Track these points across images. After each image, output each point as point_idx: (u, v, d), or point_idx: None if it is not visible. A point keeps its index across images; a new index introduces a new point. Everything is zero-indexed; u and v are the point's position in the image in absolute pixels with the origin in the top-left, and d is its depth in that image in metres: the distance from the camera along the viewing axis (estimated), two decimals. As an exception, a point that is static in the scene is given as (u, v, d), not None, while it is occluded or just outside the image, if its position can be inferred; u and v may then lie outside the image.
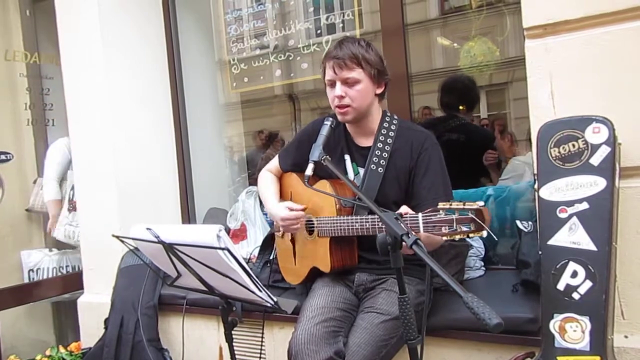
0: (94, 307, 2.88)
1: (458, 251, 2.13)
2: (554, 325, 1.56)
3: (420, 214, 1.47)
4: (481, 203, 1.37)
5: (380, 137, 1.87)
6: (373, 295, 1.83)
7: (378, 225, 1.65)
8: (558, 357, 1.55)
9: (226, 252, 1.41)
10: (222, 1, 3.30)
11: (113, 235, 1.66)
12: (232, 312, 1.73)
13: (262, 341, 2.25)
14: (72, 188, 3.29)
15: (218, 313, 1.75)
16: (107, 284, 2.78)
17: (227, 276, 1.50)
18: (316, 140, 1.72)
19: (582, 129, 1.59)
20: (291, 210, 1.89)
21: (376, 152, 1.85)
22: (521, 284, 2.00)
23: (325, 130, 1.76)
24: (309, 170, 1.67)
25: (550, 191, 1.61)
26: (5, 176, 3.48)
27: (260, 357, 2.23)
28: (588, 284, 1.53)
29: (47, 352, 2.82)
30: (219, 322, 2.45)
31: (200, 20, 3.38)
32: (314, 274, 1.97)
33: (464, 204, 1.38)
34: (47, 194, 3.46)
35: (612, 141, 1.55)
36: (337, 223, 1.79)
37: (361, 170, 1.90)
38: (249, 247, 2.87)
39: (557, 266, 1.57)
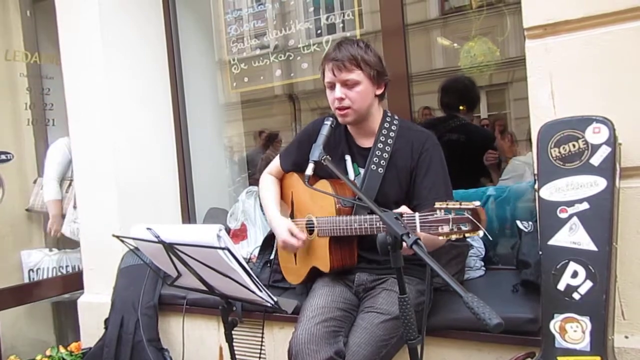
0: (94, 307, 2.88)
1: (458, 251, 2.13)
2: (554, 325, 1.56)
3: (417, 214, 1.47)
4: (477, 203, 1.37)
5: (381, 138, 1.87)
6: (373, 295, 1.83)
7: (377, 225, 1.65)
8: (558, 358, 1.54)
9: (226, 251, 1.41)
10: (222, 1, 3.30)
11: (113, 235, 1.66)
12: (232, 312, 1.73)
13: (262, 341, 2.25)
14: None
15: (218, 313, 1.75)
16: (107, 284, 2.78)
17: (227, 276, 1.50)
18: (316, 140, 1.72)
19: (582, 129, 1.59)
20: (292, 235, 1.90)
21: (376, 153, 1.85)
22: (521, 284, 2.00)
23: (325, 130, 1.76)
24: (309, 170, 1.67)
25: (551, 191, 1.61)
26: (6, 176, 3.47)
27: (260, 357, 2.23)
28: (588, 284, 1.53)
29: (47, 352, 2.82)
30: (219, 322, 2.45)
31: (200, 20, 3.38)
32: (314, 274, 1.97)
33: (460, 204, 1.38)
34: (47, 193, 3.46)
35: (612, 141, 1.55)
36: (336, 223, 1.79)
37: (362, 171, 1.90)
38: (249, 247, 2.87)
39: (558, 266, 1.57)
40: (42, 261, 3.51)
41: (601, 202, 1.54)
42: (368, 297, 1.85)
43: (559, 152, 1.61)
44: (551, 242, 1.60)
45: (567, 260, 1.57)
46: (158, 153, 3.10)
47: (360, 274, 1.89)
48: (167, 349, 2.56)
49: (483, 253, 2.32)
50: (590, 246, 1.54)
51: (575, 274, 1.55)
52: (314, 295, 1.86)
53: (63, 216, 3.49)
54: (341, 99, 1.79)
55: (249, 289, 1.52)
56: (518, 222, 2.18)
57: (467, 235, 1.38)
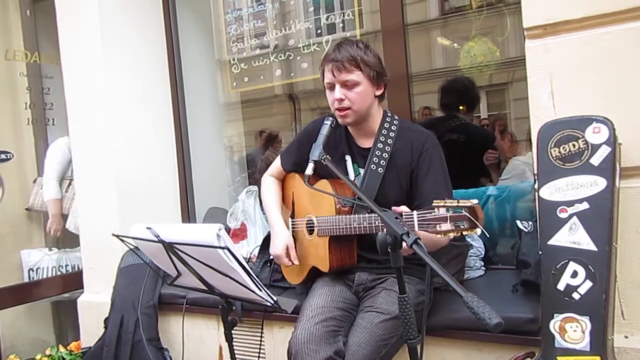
0: (94, 306, 2.88)
1: (458, 251, 2.13)
2: (554, 325, 1.56)
3: (415, 212, 1.47)
4: (475, 201, 1.38)
5: (381, 138, 1.87)
6: (373, 295, 1.83)
7: (376, 224, 1.65)
8: (558, 357, 1.55)
9: (226, 251, 1.41)
10: (222, 1, 3.30)
11: (113, 235, 1.66)
12: (232, 312, 1.73)
13: (261, 341, 2.25)
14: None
15: (218, 312, 1.75)
16: (107, 284, 2.78)
17: (227, 275, 1.50)
18: (316, 140, 1.72)
19: (582, 129, 1.59)
20: (287, 254, 1.94)
21: (376, 153, 1.85)
22: (521, 284, 2.00)
23: (325, 130, 1.76)
24: (309, 170, 1.67)
25: (551, 191, 1.61)
26: (5, 175, 3.48)
27: (260, 357, 2.23)
28: (588, 284, 1.53)
29: (47, 352, 2.82)
30: (218, 321, 2.45)
31: (200, 20, 3.38)
32: (314, 274, 1.97)
33: (458, 202, 1.38)
34: (47, 193, 3.46)
35: (612, 141, 1.55)
36: (336, 222, 1.79)
37: (362, 171, 1.90)
38: (249, 247, 2.87)
39: (557, 266, 1.57)
40: (42, 261, 3.51)
41: (601, 202, 1.54)
42: (368, 296, 1.85)
43: (559, 152, 1.61)
44: (551, 242, 1.60)
45: (567, 260, 1.57)
46: (158, 153, 3.10)
47: (360, 274, 1.89)
48: (167, 349, 2.56)
49: (483, 253, 2.32)
50: (590, 246, 1.54)
51: (575, 274, 1.55)
52: (314, 294, 1.86)
53: (63, 215, 3.49)
54: (341, 100, 1.80)
55: (248, 289, 1.52)
56: (518, 222, 2.18)
57: (464, 233, 1.38)
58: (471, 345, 1.88)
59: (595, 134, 1.57)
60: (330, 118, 1.82)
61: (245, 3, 3.25)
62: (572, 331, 1.53)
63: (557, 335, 1.55)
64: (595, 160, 1.56)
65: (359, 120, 1.86)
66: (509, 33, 2.99)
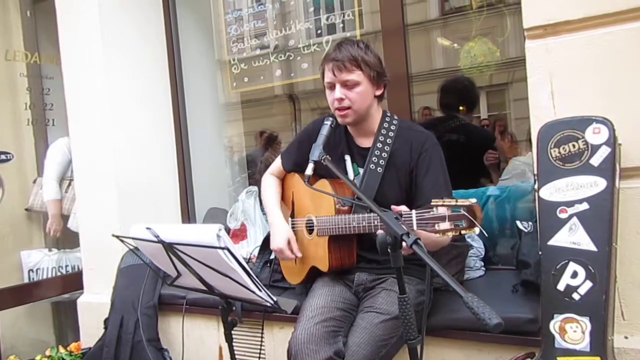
0: (94, 307, 2.88)
1: (458, 251, 2.13)
2: (554, 325, 1.56)
3: (413, 211, 1.47)
4: (473, 200, 1.38)
5: (380, 137, 1.87)
6: (373, 295, 1.83)
7: (374, 223, 1.65)
8: (558, 358, 1.54)
9: (226, 251, 1.41)
10: (223, 1, 3.30)
11: (113, 235, 1.66)
12: (232, 312, 1.73)
13: (261, 341, 2.25)
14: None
15: (218, 313, 1.75)
16: (107, 284, 2.78)
17: (227, 276, 1.50)
18: (316, 140, 1.72)
19: (582, 130, 1.59)
20: (289, 246, 1.92)
21: (375, 152, 1.85)
22: (521, 284, 2.00)
23: (325, 130, 1.76)
24: (309, 170, 1.67)
25: (551, 191, 1.61)
26: (5, 176, 3.48)
27: (260, 357, 2.23)
28: (588, 284, 1.53)
29: (47, 352, 2.82)
30: (218, 321, 2.45)
31: (200, 20, 3.38)
32: (314, 274, 1.97)
33: (456, 201, 1.38)
34: (47, 193, 3.46)
35: (612, 142, 1.55)
36: (335, 222, 1.79)
37: (361, 171, 1.90)
38: (249, 247, 2.87)
39: (557, 266, 1.57)
40: (41, 261, 3.51)
41: (601, 203, 1.54)
42: (367, 296, 1.85)
43: (559, 153, 1.61)
44: (551, 242, 1.60)
45: (566, 261, 1.57)
46: (158, 153, 3.10)
47: (360, 274, 1.89)
48: (167, 349, 2.56)
49: (483, 253, 2.32)
50: (590, 246, 1.54)
51: (575, 274, 1.55)
52: (314, 295, 1.86)
53: (62, 216, 3.49)
54: (341, 100, 1.80)
55: (248, 289, 1.52)
56: (518, 223, 2.18)
57: (463, 232, 1.38)
58: (471, 345, 1.88)
59: (595, 135, 1.57)
60: (330, 118, 1.82)
61: (245, 3, 3.25)
62: (572, 331, 1.53)
63: (557, 336, 1.55)
64: (595, 160, 1.56)
65: (359, 120, 1.86)
66: (509, 33, 2.99)
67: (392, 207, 1.54)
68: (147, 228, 1.56)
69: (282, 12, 3.12)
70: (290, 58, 3.05)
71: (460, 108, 2.94)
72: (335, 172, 1.58)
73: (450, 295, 1.85)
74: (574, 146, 1.60)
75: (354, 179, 1.90)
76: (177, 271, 1.64)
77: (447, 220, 1.39)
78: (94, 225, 2.96)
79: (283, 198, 2.14)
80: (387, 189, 1.83)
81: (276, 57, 3.10)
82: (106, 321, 2.63)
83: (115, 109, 2.90)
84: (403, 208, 1.53)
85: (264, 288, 1.55)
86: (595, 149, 1.56)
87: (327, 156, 1.65)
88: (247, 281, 1.49)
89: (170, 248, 1.54)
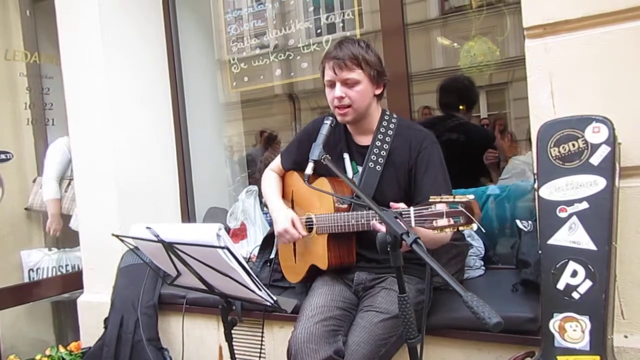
0: (94, 306, 2.88)
1: (458, 250, 2.13)
2: (553, 324, 1.56)
3: (412, 208, 1.48)
4: (471, 196, 1.38)
5: (379, 136, 1.87)
6: (372, 294, 1.83)
7: (373, 220, 1.65)
8: (558, 357, 1.55)
9: (226, 251, 1.41)
10: (222, 1, 3.30)
11: (113, 235, 1.66)
12: (232, 312, 1.73)
13: (262, 340, 2.25)
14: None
15: (218, 312, 1.75)
16: (107, 284, 2.78)
17: (227, 275, 1.50)
18: (316, 140, 1.73)
19: (582, 129, 1.59)
20: (294, 226, 1.88)
21: (374, 150, 1.86)
22: (521, 284, 2.00)
23: (325, 130, 1.77)
24: (308, 169, 1.68)
25: (550, 190, 1.61)
26: (5, 176, 3.48)
27: (260, 357, 2.23)
28: (588, 283, 1.53)
29: (47, 352, 2.82)
30: (218, 321, 2.45)
31: (200, 20, 3.38)
32: (314, 273, 1.97)
33: (454, 197, 1.39)
34: (47, 193, 3.46)
35: (612, 141, 1.55)
36: (334, 219, 1.79)
37: (360, 169, 1.90)
38: (249, 247, 2.87)
39: (557, 265, 1.57)
40: (42, 261, 3.51)
41: (601, 202, 1.54)
42: (367, 296, 1.85)
43: (559, 152, 1.61)
44: (551, 241, 1.60)
45: (566, 260, 1.57)
46: (158, 153, 3.10)
47: (360, 273, 1.89)
48: (167, 349, 2.56)
49: (483, 252, 2.32)
50: (590, 245, 1.54)
51: (574, 274, 1.55)
52: (314, 294, 1.86)
53: (62, 215, 3.49)
54: (341, 98, 1.80)
55: (248, 288, 1.52)
56: (518, 222, 2.18)
57: (461, 228, 1.38)
58: (471, 344, 1.88)
59: (595, 134, 1.57)
60: (330, 118, 1.83)
61: (245, 3, 3.25)
62: (571, 330, 1.53)
63: (556, 335, 1.55)
64: (595, 159, 1.56)
65: (358, 118, 1.87)
66: (509, 33, 2.99)
67: (391, 204, 1.54)
68: (147, 227, 1.57)
69: (282, 11, 3.12)
70: (290, 57, 3.05)
71: (460, 107, 2.94)
72: (335, 172, 1.58)
73: (450, 295, 1.85)
74: (573, 145, 1.60)
75: (352, 177, 1.90)
76: (177, 271, 1.64)
77: (445, 216, 1.39)
78: (94, 225, 2.96)
79: (283, 196, 2.14)
80: (386, 187, 1.83)
81: (276, 57, 3.10)
82: (106, 321, 2.64)
83: (115, 109, 2.90)
84: (401, 205, 1.54)
85: (264, 287, 1.56)
86: (595, 148, 1.56)
87: (327, 155, 1.66)
88: (247, 280, 1.50)
89: (170, 247, 1.54)
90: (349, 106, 1.81)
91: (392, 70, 2.08)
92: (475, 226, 1.35)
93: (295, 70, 3.14)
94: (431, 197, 1.43)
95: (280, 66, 3.13)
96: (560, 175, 1.60)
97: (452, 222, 1.38)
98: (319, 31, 2.94)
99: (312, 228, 1.93)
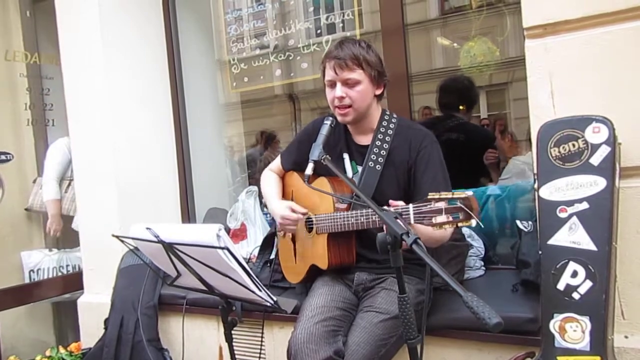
0: (94, 307, 2.88)
1: (458, 251, 2.13)
2: (554, 325, 1.56)
3: (411, 205, 1.47)
4: (470, 192, 1.38)
5: (379, 135, 1.87)
6: (372, 295, 1.83)
7: (373, 218, 1.65)
8: (558, 357, 1.54)
9: (226, 251, 1.41)
10: (222, 1, 3.30)
11: (113, 235, 1.66)
12: (232, 312, 1.73)
13: (262, 341, 2.25)
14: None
15: (218, 313, 1.75)
16: (107, 284, 2.78)
17: (227, 276, 1.50)
18: (316, 140, 1.73)
19: (582, 129, 1.59)
20: (293, 211, 1.89)
21: (374, 150, 1.86)
22: (521, 284, 2.00)
23: (325, 130, 1.77)
24: (308, 170, 1.68)
25: (550, 191, 1.61)
26: (5, 176, 3.48)
27: (260, 357, 2.23)
28: (588, 283, 1.53)
29: (47, 353, 2.82)
30: (218, 321, 2.45)
31: (200, 20, 3.38)
32: (314, 273, 1.97)
33: (452, 194, 1.38)
34: (47, 193, 3.46)
35: (612, 141, 1.55)
36: (334, 219, 1.79)
37: (360, 169, 1.90)
38: (249, 247, 2.86)
39: (557, 266, 1.57)
40: (42, 261, 3.51)
41: (601, 202, 1.54)
42: (367, 296, 1.85)
43: (559, 152, 1.61)
44: (551, 241, 1.60)
45: (566, 260, 1.57)
46: (158, 153, 3.10)
47: (360, 274, 1.89)
48: (167, 349, 2.56)
49: (483, 253, 2.32)
50: (590, 246, 1.54)
51: (575, 274, 1.55)
52: (314, 294, 1.86)
53: (62, 215, 3.49)
54: (342, 98, 1.80)
55: (248, 289, 1.52)
56: (518, 222, 2.18)
57: (460, 224, 1.38)
58: (471, 345, 1.88)
59: (595, 134, 1.57)
60: (330, 118, 1.83)
61: (245, 3, 3.25)
62: (572, 331, 1.53)
63: (557, 335, 1.55)
64: (595, 160, 1.56)
65: (359, 118, 1.87)
66: (509, 33, 2.99)
67: (390, 201, 1.54)
68: (147, 228, 1.56)
69: (282, 11, 3.12)
70: (290, 58, 3.05)
71: (460, 107, 2.94)
72: (335, 172, 1.58)
73: (450, 295, 1.85)
74: (573, 145, 1.60)
75: (352, 177, 1.90)
76: (177, 271, 1.64)
77: (444, 213, 1.39)
78: (94, 225, 2.96)
79: (282, 196, 2.14)
80: (386, 187, 1.83)
81: (276, 57, 3.10)
82: (106, 321, 2.63)
83: (115, 109, 2.90)
84: (400, 203, 1.54)
85: (264, 288, 1.55)
86: (595, 148, 1.56)
87: (327, 156, 1.66)
88: (247, 281, 1.49)
89: (170, 248, 1.54)
90: (349, 106, 1.81)
91: (392, 70, 2.08)
92: (474, 222, 1.35)
93: (295, 70, 3.14)
94: (430, 194, 1.43)
95: (280, 66, 3.13)
96: (560, 175, 1.60)
97: (450, 218, 1.38)
98: (319, 31, 2.94)
99: (312, 228, 1.93)
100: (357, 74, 1.78)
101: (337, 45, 1.83)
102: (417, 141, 1.84)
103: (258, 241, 2.73)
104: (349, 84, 1.79)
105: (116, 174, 2.88)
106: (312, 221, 1.93)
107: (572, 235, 1.57)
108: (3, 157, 3.48)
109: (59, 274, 3.49)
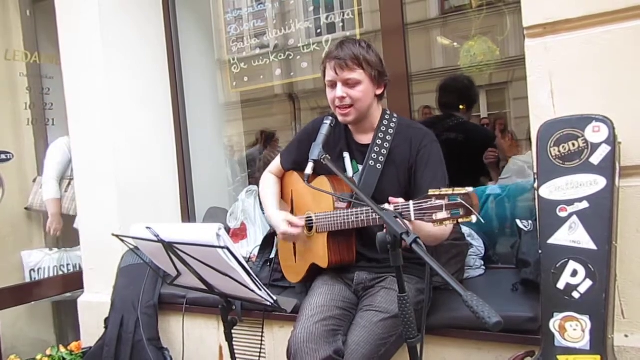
0: (94, 306, 2.88)
1: (458, 250, 2.13)
2: (554, 324, 1.56)
3: (411, 202, 1.48)
4: (470, 189, 1.38)
5: (380, 134, 1.87)
6: (372, 294, 1.83)
7: (373, 216, 1.66)
8: (558, 356, 1.55)
9: (226, 250, 1.41)
10: (222, 1, 3.30)
11: (113, 235, 1.66)
12: (232, 311, 1.73)
13: (262, 340, 2.25)
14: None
15: (218, 312, 1.75)
16: (107, 284, 2.78)
17: (227, 275, 1.50)
18: (316, 139, 1.73)
19: (582, 128, 1.59)
20: (291, 225, 1.90)
21: (375, 149, 1.86)
22: (521, 283, 2.00)
23: (325, 129, 1.77)
24: (308, 169, 1.68)
25: (550, 190, 1.61)
26: (6, 176, 3.48)
27: (260, 356, 2.23)
28: (588, 283, 1.53)
29: (48, 352, 2.82)
30: (219, 321, 2.45)
31: (200, 20, 3.38)
32: (314, 272, 1.97)
33: (453, 190, 1.38)
34: (47, 192, 3.46)
35: (612, 140, 1.55)
36: (334, 217, 1.79)
37: (360, 168, 1.90)
38: (249, 247, 2.87)
39: (557, 265, 1.57)
40: (42, 261, 3.51)
41: (601, 201, 1.54)
42: (367, 295, 1.85)
43: (559, 151, 1.61)
44: (551, 241, 1.60)
45: (566, 259, 1.57)
46: (158, 153, 3.10)
47: (360, 273, 1.89)
48: (167, 348, 2.56)
49: (483, 252, 2.32)
50: (590, 245, 1.54)
51: (575, 273, 1.55)
52: (314, 294, 1.86)
53: (62, 215, 3.49)
54: (342, 98, 1.80)
55: (248, 288, 1.52)
56: (518, 221, 2.18)
57: (460, 220, 1.38)
58: (471, 344, 1.88)
59: (595, 133, 1.57)
60: (330, 117, 1.83)
61: (245, 3, 3.25)
62: (572, 330, 1.53)
63: (557, 334, 1.55)
64: (595, 159, 1.56)
65: (360, 118, 1.87)
66: (509, 32, 2.98)
67: (390, 198, 1.54)
68: (147, 227, 1.56)
69: (282, 11, 3.12)
70: (290, 57, 3.05)
71: (460, 107, 2.94)
72: (335, 172, 1.58)
73: (450, 294, 1.85)
74: (573, 145, 1.60)
75: (352, 176, 1.90)
76: (177, 270, 1.64)
77: (444, 209, 1.39)
78: (94, 225, 2.97)
79: (282, 196, 2.15)
80: (386, 186, 1.83)
81: (276, 57, 3.10)
82: (106, 320, 2.64)
83: (115, 109, 2.90)
84: (400, 200, 1.54)
85: (264, 287, 1.56)
86: (595, 147, 1.56)
87: (327, 155, 1.66)
88: (247, 280, 1.50)
89: (170, 247, 1.54)
90: (350, 106, 1.81)
91: (392, 70, 2.08)
92: (474, 218, 1.35)
93: (295, 70, 3.14)
94: (430, 190, 1.43)
95: (280, 66, 3.13)
96: (560, 174, 1.60)
97: (451, 214, 1.38)
98: (319, 31, 2.94)
99: (312, 227, 1.93)
100: (358, 74, 1.79)
101: (338, 45, 1.83)
102: (418, 140, 1.84)
103: (258, 240, 2.74)
104: (349, 84, 1.79)
105: (116, 174, 2.88)
106: (312, 220, 1.93)
107: (572, 235, 1.57)
108: (3, 156, 3.48)
109: (60, 273, 3.49)
